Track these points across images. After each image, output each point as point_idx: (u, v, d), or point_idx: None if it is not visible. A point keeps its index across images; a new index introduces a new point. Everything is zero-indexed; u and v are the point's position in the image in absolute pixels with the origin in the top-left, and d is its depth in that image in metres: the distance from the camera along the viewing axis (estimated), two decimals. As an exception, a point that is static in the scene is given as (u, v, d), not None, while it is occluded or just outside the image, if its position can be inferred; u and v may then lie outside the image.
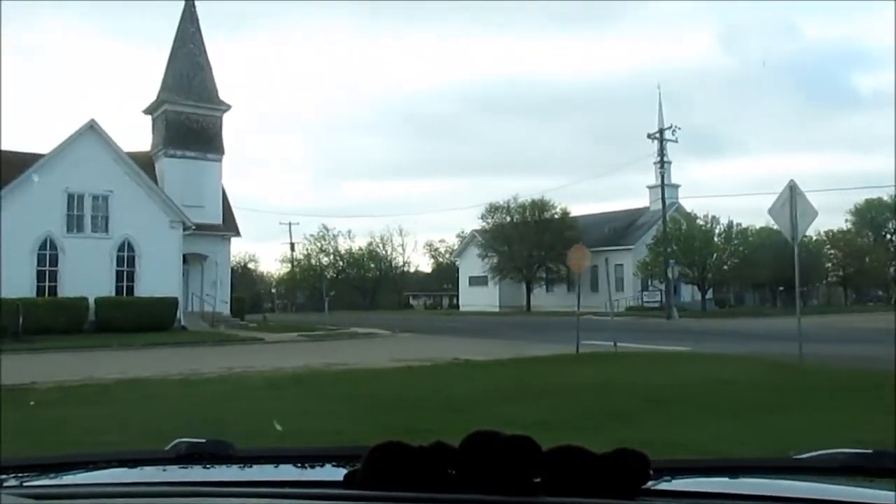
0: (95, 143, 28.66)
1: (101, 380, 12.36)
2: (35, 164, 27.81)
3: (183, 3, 34.63)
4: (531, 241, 52.49)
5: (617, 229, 53.05)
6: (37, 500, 1.07)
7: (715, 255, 47.46)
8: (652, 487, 1.11)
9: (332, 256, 77.32)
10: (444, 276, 74.52)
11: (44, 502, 1.08)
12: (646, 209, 53.94)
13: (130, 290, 28.76)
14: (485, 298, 57.31)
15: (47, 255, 27.73)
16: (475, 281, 59.80)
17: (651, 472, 1.08)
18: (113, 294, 28.20)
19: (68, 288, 27.29)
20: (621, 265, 50.06)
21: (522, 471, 1.02)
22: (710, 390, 9.53)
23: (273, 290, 75.42)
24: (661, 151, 44.84)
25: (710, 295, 49.61)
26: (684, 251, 45.73)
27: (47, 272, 27.63)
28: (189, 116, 33.20)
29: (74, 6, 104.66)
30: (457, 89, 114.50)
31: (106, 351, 20.46)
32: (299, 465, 1.45)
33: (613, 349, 16.96)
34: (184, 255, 30.25)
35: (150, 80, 63.69)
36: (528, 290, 54.79)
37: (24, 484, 1.28)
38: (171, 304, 28.26)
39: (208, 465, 1.39)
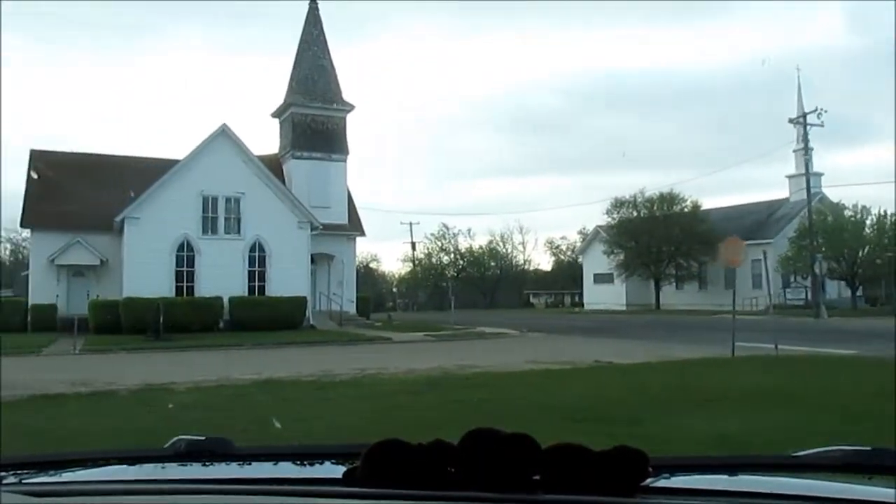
0: (228, 147, 29.45)
1: (237, 381, 12.18)
2: (171, 168, 28.91)
3: (307, 7, 35.18)
4: (660, 237, 50.09)
5: (753, 222, 49.77)
6: (37, 498, 1.07)
7: (867, 248, 43.55)
8: (651, 485, 1.08)
9: (452, 255, 77.46)
10: (565, 273, 72.78)
11: (43, 500, 1.07)
12: (785, 200, 50.51)
13: (262, 289, 29.34)
14: (610, 296, 55.31)
15: (185, 257, 28.71)
16: (600, 278, 57.81)
17: (650, 469, 1.06)
18: (245, 294, 28.86)
19: (204, 288, 28.14)
20: (759, 260, 46.95)
21: (522, 468, 1.01)
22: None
23: (394, 290, 76.21)
24: (805, 137, 41.53)
25: (859, 292, 45.64)
26: (832, 245, 42.19)
27: (185, 272, 28.59)
28: (314, 118, 33.69)
29: (205, 17, 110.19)
30: (578, 86, 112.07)
31: (239, 350, 20.74)
32: (298, 462, 1.42)
33: (774, 352, 15.34)
34: (311, 255, 30.60)
35: (277, 84, 65.80)
36: (657, 288, 52.40)
37: (24, 481, 1.26)
38: (301, 303, 28.62)
39: (207, 463, 1.36)
